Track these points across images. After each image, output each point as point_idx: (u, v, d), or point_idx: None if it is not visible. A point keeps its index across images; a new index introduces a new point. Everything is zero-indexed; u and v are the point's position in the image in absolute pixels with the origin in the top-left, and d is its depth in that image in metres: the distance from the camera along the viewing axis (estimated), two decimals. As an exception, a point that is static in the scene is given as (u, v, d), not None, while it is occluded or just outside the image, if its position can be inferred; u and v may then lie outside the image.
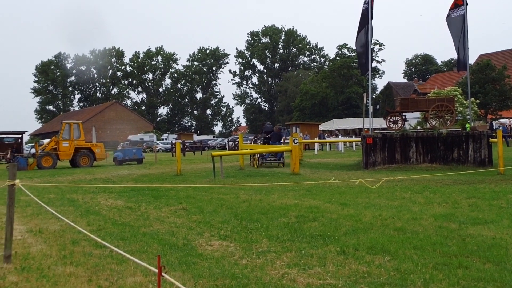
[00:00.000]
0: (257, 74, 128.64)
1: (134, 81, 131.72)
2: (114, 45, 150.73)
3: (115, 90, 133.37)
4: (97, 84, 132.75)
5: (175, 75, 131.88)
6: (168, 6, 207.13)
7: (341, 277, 6.12)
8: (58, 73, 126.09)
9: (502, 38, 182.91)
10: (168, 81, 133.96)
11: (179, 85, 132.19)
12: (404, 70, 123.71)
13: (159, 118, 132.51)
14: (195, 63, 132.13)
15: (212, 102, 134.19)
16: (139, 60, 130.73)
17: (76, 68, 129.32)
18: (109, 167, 33.62)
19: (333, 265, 6.60)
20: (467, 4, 27.04)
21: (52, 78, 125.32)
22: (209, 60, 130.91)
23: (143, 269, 6.41)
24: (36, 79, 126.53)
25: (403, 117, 26.63)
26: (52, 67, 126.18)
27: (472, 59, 76.61)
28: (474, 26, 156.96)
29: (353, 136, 57.50)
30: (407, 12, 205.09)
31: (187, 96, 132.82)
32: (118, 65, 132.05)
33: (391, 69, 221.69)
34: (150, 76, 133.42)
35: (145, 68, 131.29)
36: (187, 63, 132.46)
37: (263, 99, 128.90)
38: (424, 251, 7.18)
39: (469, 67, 29.72)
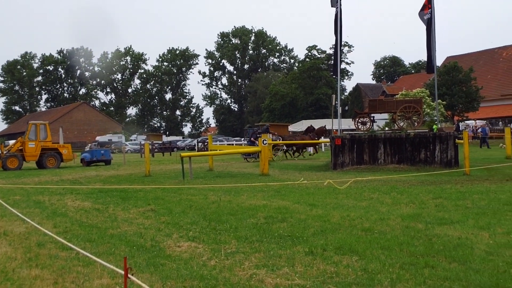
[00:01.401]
0: (226, 75, 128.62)
1: (103, 82, 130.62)
2: (82, 45, 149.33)
3: (83, 90, 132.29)
4: (65, 85, 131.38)
5: (144, 75, 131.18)
6: (137, 6, 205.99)
7: (309, 277, 6.15)
8: (25, 73, 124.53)
9: (469, 40, 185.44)
10: (137, 81, 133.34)
11: (148, 85, 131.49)
12: (372, 72, 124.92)
13: (128, 119, 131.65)
14: (165, 63, 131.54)
15: (181, 103, 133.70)
16: (107, 60, 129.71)
17: (43, 68, 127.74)
18: (77, 168, 33.30)
19: (301, 266, 6.62)
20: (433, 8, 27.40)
21: (18, 78, 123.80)
22: (178, 61, 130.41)
23: (110, 271, 6.35)
24: (2, 78, 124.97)
25: (372, 118, 26.84)
26: (19, 66, 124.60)
27: (439, 61, 77.57)
28: (442, 29, 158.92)
29: (322, 137, 57.64)
30: (375, 14, 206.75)
31: (156, 97, 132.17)
32: (86, 65, 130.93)
33: (359, 71, 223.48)
34: (119, 76, 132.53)
35: (113, 69, 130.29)
36: (157, 64, 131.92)
37: (232, 100, 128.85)
38: (391, 251, 7.25)
39: (436, 69, 30.06)
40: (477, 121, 60.84)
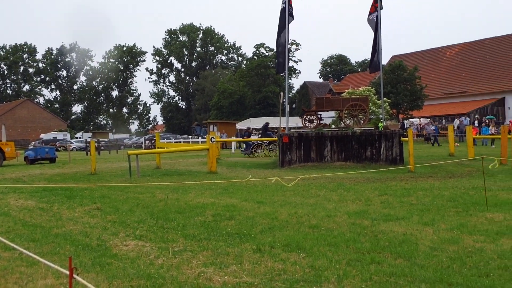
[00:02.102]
0: (174, 73, 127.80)
1: (47, 78, 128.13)
2: (26, 40, 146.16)
3: (26, 87, 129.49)
4: (8, 81, 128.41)
5: (90, 72, 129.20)
6: (82, 2, 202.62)
7: (257, 275, 6.15)
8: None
9: (414, 40, 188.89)
10: (83, 78, 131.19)
11: (94, 82, 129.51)
12: (319, 70, 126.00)
13: (73, 116, 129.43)
14: (111, 60, 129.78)
15: (128, 100, 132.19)
16: (52, 56, 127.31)
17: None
18: (20, 166, 32.56)
19: (249, 263, 6.62)
20: (381, 8, 27.82)
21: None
22: (125, 58, 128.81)
23: (55, 271, 6.23)
24: None
25: (319, 116, 27.06)
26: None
27: (385, 60, 78.76)
28: (387, 28, 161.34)
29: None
30: (323, 13, 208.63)
31: (103, 94, 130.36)
32: (30, 62, 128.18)
33: (307, 69, 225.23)
34: (64, 73, 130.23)
35: (58, 65, 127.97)
36: (103, 61, 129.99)
37: (180, 97, 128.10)
38: (338, 247, 7.32)
39: (382, 68, 30.51)
40: (421, 119, 61.99)
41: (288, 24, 26.56)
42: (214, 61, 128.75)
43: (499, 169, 18.41)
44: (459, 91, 73.24)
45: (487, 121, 54.73)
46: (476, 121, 54.30)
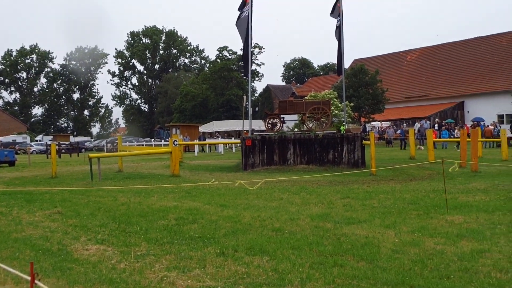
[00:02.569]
0: (137, 75, 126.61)
1: (6, 80, 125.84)
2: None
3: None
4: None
5: (51, 74, 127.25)
6: (42, 3, 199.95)
7: (221, 278, 6.14)
8: None
9: (375, 44, 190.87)
10: (43, 80, 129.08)
11: (55, 84, 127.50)
12: (282, 73, 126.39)
13: (33, 119, 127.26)
14: (72, 62, 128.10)
15: (90, 102, 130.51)
16: (12, 58, 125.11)
17: None
18: (-21, 169, 31.99)
19: (213, 267, 6.61)
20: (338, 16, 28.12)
21: None
22: (87, 60, 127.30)
23: (15, 276, 6.11)
24: None
25: (282, 119, 27.14)
26: None
27: (347, 63, 79.41)
28: (350, 32, 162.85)
29: (233, 138, 57.96)
30: (286, 16, 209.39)
31: (64, 96, 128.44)
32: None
33: (270, 72, 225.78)
34: (24, 75, 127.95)
35: (18, 67, 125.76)
36: (64, 62, 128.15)
37: (143, 100, 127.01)
38: (301, 250, 7.34)
39: (344, 72, 30.76)
40: (382, 122, 62.62)
41: (251, 27, 26.57)
42: (177, 63, 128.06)
43: (459, 172, 18.71)
44: (419, 95, 74.17)
45: (446, 124, 55.58)
46: (436, 125, 55.02)
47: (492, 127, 49.38)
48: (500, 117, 64.80)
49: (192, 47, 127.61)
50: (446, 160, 14.52)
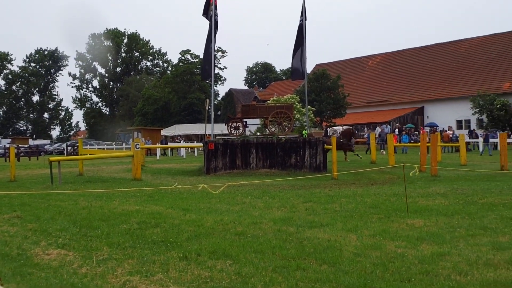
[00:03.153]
0: (98, 78, 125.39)
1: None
2: None
3: None
4: None
5: (10, 76, 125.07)
6: (1, 2, 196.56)
7: (184, 282, 6.13)
8: None
9: (337, 49, 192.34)
10: (1, 82, 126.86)
11: (14, 87, 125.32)
12: (245, 78, 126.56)
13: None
14: (32, 64, 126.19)
15: (50, 105, 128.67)
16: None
17: None
18: None
19: (176, 271, 6.59)
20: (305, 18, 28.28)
21: None
22: (47, 62, 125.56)
23: (-27, 281, 6.02)
24: None
25: (244, 123, 27.17)
26: None
27: (309, 68, 79.87)
28: (312, 37, 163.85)
29: (195, 142, 57.80)
30: (248, 21, 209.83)
31: (23, 99, 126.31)
32: None
33: (232, 76, 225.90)
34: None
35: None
36: (23, 64, 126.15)
37: (104, 103, 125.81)
38: (264, 254, 7.36)
39: (306, 76, 30.93)
40: (344, 127, 63.15)
41: (215, 31, 26.59)
42: (139, 66, 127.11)
43: (419, 176, 18.95)
44: (380, 100, 75.05)
45: (406, 129, 56.31)
46: (396, 129, 55.72)
47: (451, 132, 50.24)
48: (459, 122, 65.98)
49: (154, 50, 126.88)
50: (407, 165, 14.69)
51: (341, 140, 30.69)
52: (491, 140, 41.16)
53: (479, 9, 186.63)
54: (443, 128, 57.33)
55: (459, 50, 73.83)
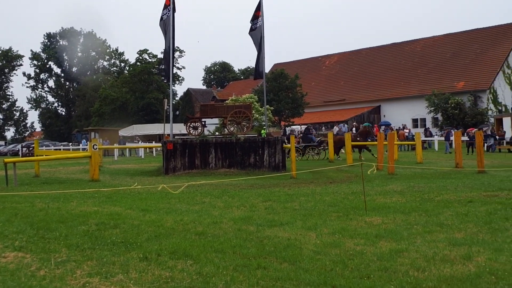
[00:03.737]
0: (53, 78, 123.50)
1: None
2: None
3: None
4: None
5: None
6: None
7: (144, 283, 6.10)
8: None
9: (295, 48, 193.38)
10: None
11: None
12: (203, 77, 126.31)
13: None
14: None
15: (3, 106, 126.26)
16: None
17: None
18: None
19: (136, 272, 6.55)
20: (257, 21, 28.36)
21: None
22: (0, 62, 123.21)
23: None
24: None
25: (203, 123, 27.12)
26: None
27: (267, 68, 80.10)
28: (270, 36, 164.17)
29: (154, 142, 57.43)
30: (206, 21, 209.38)
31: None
32: None
33: (190, 76, 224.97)
34: None
35: None
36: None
37: (60, 103, 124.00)
38: (224, 254, 7.37)
39: (265, 76, 31.03)
40: (302, 126, 63.48)
41: (173, 30, 26.47)
42: (96, 66, 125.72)
43: (376, 175, 19.21)
44: (337, 99, 75.71)
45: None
46: (354, 128, 56.26)
47: (407, 131, 50.94)
48: (415, 121, 66.99)
49: (111, 50, 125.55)
50: (364, 163, 14.89)
51: (358, 139, 31.08)
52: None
53: (434, 9, 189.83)
54: (399, 127, 58.11)
55: (414, 50, 74.96)
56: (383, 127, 58.90)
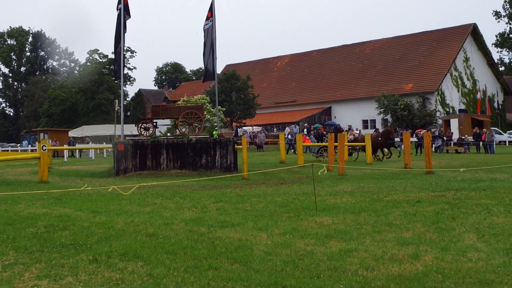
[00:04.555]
0: (1, 78, 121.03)
1: None
2: None
3: None
4: None
5: None
6: None
7: (94, 285, 6.05)
8: None
9: (247, 50, 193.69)
10: None
11: None
12: (154, 78, 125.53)
13: None
14: None
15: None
16: None
17: None
18: None
19: (86, 274, 6.49)
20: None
21: None
22: None
23: None
24: None
25: (154, 124, 26.95)
26: None
27: (219, 69, 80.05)
28: (223, 38, 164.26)
29: (104, 143, 56.81)
30: (157, 21, 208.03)
31: None
32: None
33: (142, 77, 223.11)
34: None
35: None
36: None
37: (8, 104, 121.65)
38: (176, 255, 7.36)
39: (216, 77, 31.02)
40: (254, 127, 63.69)
41: (124, 30, 26.25)
42: (45, 66, 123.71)
43: (327, 175, 19.40)
44: (288, 101, 76.12)
45: (314, 129, 57.39)
46: (305, 129, 56.72)
47: (357, 132, 51.56)
48: (365, 122, 67.83)
49: (60, 50, 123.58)
50: (315, 164, 15.05)
51: (379, 138, 31.12)
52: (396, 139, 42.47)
53: (383, 12, 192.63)
54: (350, 128, 58.81)
55: (364, 52, 75.91)
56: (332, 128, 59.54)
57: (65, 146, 49.80)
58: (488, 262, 6.76)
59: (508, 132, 57.84)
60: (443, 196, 13.03)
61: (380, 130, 46.81)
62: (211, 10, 28.52)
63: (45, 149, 21.45)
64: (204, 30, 28.75)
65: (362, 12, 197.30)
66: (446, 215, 10.17)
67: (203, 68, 30.48)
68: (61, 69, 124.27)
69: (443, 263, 6.74)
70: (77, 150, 52.79)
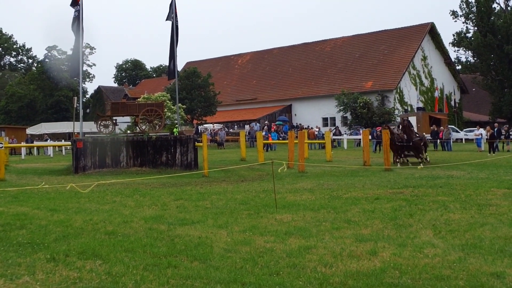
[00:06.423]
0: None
1: None
2: None
3: None
4: None
5: None
6: None
7: (51, 284, 6.00)
8: None
9: (208, 46, 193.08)
10: None
11: None
12: (114, 75, 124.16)
13: None
14: None
15: None
16: None
17: None
18: None
19: (43, 273, 6.42)
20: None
21: None
22: None
23: None
24: None
25: (114, 121, 26.70)
26: None
27: (180, 66, 79.67)
28: (182, 35, 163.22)
29: (63, 140, 56.05)
30: (118, 17, 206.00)
31: None
32: None
33: (101, 73, 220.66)
34: None
35: None
36: None
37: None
38: (135, 253, 7.34)
39: (177, 74, 30.88)
40: (214, 124, 63.53)
41: (82, 26, 25.93)
42: (2, 62, 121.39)
43: (287, 173, 19.49)
44: (249, 98, 76.13)
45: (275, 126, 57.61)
46: (266, 127, 56.82)
47: (317, 130, 51.89)
48: (325, 120, 68.21)
49: (18, 46, 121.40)
50: (275, 161, 15.08)
51: (405, 136, 28.67)
52: (355, 136, 42.90)
53: (343, 11, 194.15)
54: (308, 126, 59.05)
55: (324, 50, 76.33)
56: (288, 125, 59.79)
57: (23, 144, 49.02)
58: (444, 258, 6.89)
59: (465, 130, 58.76)
60: (401, 193, 13.23)
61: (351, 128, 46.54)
62: (173, 7, 28.26)
63: (2, 147, 21.09)
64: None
65: (323, 10, 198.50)
66: (404, 212, 10.33)
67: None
68: (19, 66, 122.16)
69: (401, 259, 6.85)
70: (35, 148, 51.97)
